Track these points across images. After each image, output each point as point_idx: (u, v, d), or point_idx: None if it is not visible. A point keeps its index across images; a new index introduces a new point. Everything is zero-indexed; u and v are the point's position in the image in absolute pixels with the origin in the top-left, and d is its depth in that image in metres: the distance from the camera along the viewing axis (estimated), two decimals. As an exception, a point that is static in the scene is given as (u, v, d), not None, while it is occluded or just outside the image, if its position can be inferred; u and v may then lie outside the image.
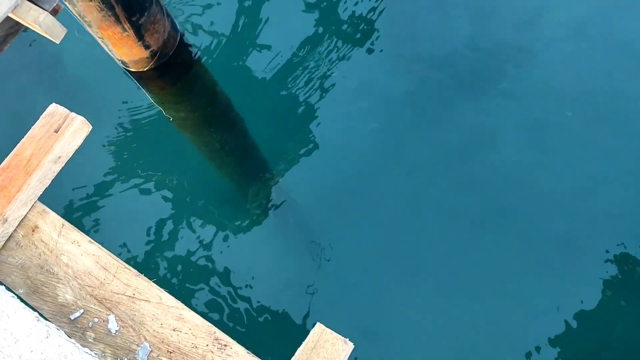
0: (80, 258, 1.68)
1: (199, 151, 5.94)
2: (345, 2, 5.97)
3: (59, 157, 1.35)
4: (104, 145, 5.73)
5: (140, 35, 4.76)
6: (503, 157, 5.44)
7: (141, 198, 5.61)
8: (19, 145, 1.37)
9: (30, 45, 5.80)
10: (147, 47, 4.91)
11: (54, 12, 3.30)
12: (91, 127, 1.45)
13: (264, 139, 5.75)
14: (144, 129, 5.73)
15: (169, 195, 5.68)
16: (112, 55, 5.14)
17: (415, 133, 5.53)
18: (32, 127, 1.39)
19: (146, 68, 5.14)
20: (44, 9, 3.26)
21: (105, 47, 5.03)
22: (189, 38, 5.92)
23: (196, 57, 5.64)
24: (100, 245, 1.75)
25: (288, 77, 5.77)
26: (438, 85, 5.66)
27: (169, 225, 5.54)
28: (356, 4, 5.97)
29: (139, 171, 5.63)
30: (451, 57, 5.68)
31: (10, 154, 1.36)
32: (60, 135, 1.34)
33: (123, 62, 5.15)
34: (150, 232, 5.49)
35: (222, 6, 5.98)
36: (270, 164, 5.75)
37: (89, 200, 5.60)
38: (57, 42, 3.32)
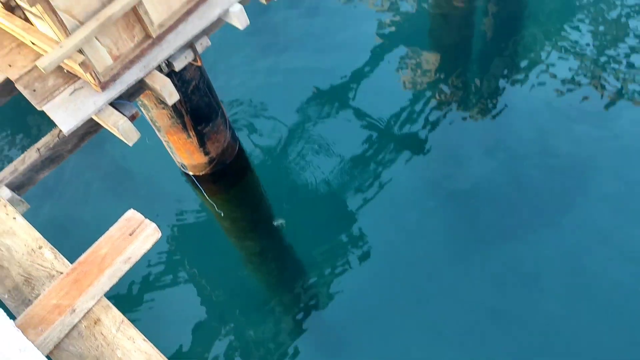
0: (133, 354, 1.76)
1: (239, 252, 6.11)
2: (392, 124, 6.27)
3: (129, 258, 1.50)
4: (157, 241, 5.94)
5: (202, 143, 5.12)
6: (545, 297, 5.35)
7: (184, 295, 5.73)
8: (96, 243, 1.53)
9: (98, 144, 6.26)
10: (207, 153, 5.26)
11: (132, 118, 3.65)
12: (161, 235, 1.60)
13: (302, 250, 5.87)
14: (194, 228, 5.95)
15: (209, 293, 5.78)
16: (173, 157, 5.50)
17: (454, 263, 5.55)
18: (110, 229, 1.56)
19: (203, 172, 5.46)
20: (124, 114, 3.61)
21: (168, 150, 5.41)
22: (246, 148, 6.27)
23: (250, 166, 5.95)
24: (152, 345, 1.83)
25: (331, 191, 5.98)
26: (478, 216, 5.75)
27: (208, 322, 5.59)
28: (404, 125, 6.25)
29: (186, 268, 5.79)
30: (492, 191, 5.80)
31: (87, 250, 1.52)
32: (134, 238, 1.49)
33: (183, 165, 5.50)
34: (191, 328, 5.54)
35: (278, 122, 6.38)
36: (306, 275, 5.83)
37: (139, 295, 5.76)
38: (130, 145, 3.64)
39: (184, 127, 4.91)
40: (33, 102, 3.66)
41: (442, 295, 5.44)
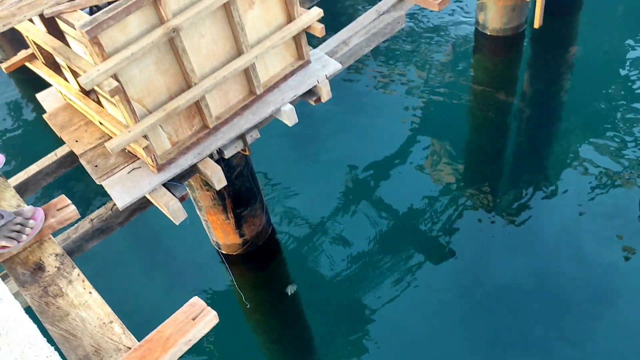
0: None
1: (256, 336, 6.16)
2: (421, 223, 6.45)
3: (190, 340, 1.67)
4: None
5: (239, 225, 5.37)
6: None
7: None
8: (163, 324, 1.72)
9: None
10: (242, 235, 5.49)
11: (181, 199, 3.93)
12: (218, 321, 1.78)
13: (323, 344, 5.91)
14: (220, 309, 6.08)
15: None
16: (209, 235, 5.74)
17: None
18: (176, 312, 1.75)
19: (235, 253, 5.67)
20: (174, 195, 3.90)
21: (205, 228, 5.66)
22: (279, 232, 6.49)
23: (281, 251, 6.15)
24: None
25: (356, 286, 6.09)
26: (504, 323, 5.76)
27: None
28: (433, 225, 6.42)
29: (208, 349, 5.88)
30: (519, 298, 5.85)
31: (155, 330, 1.70)
32: (196, 323, 1.67)
33: (217, 244, 5.73)
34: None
35: (311, 210, 6.62)
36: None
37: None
38: (177, 223, 3.89)
39: (224, 209, 5.18)
40: (94, 177, 3.98)
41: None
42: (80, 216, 2.09)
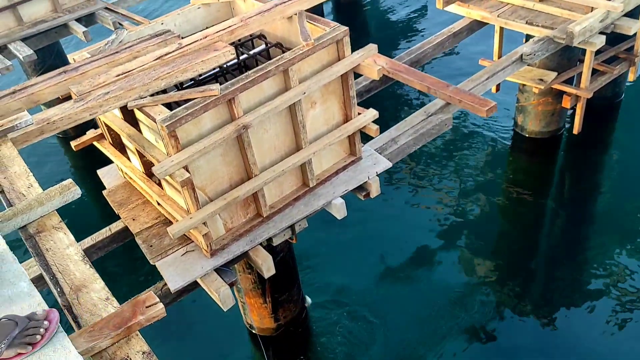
0: None
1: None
2: (450, 313, 6.40)
3: None
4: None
5: (275, 310, 5.40)
6: None
7: None
8: None
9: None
10: (276, 320, 5.51)
11: (231, 285, 4.01)
12: None
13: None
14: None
15: None
16: (244, 317, 5.77)
17: None
18: None
19: (267, 335, 5.67)
20: (224, 281, 3.98)
21: (241, 309, 5.70)
22: (312, 319, 6.47)
23: (313, 338, 6.12)
24: None
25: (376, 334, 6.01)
26: None
27: None
28: (460, 315, 6.36)
29: None
30: None
31: None
32: None
33: (251, 326, 5.74)
34: None
35: (346, 298, 6.64)
36: None
37: None
38: (225, 310, 3.96)
39: (263, 293, 5.23)
40: (148, 256, 4.10)
41: None
42: (166, 314, 2.18)
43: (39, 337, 2.03)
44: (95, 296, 2.22)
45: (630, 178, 7.66)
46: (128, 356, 2.02)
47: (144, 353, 2.02)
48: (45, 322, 2.06)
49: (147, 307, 2.11)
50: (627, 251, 6.83)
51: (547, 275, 6.89)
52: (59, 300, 2.28)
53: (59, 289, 2.25)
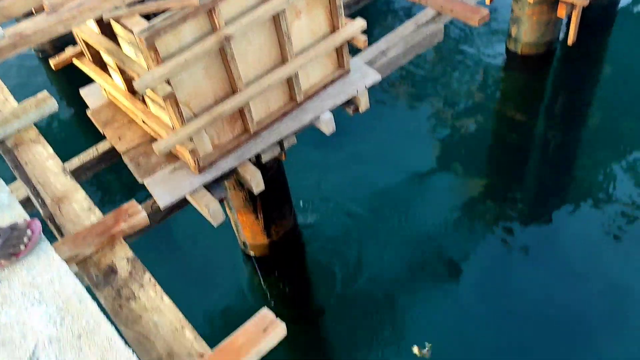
0: None
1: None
2: (440, 241, 6.49)
3: (260, 351, 1.75)
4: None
5: (267, 226, 5.46)
6: None
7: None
8: (234, 333, 1.79)
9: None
10: (269, 236, 5.59)
11: (220, 201, 4.02)
12: (286, 333, 1.85)
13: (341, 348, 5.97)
14: (242, 307, 6.13)
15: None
16: (237, 235, 5.84)
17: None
18: (247, 322, 1.82)
19: (261, 254, 5.77)
20: (214, 197, 3.99)
21: (234, 228, 5.76)
22: (304, 236, 6.55)
23: (304, 254, 6.24)
24: None
25: (379, 285, 6.14)
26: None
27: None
28: (454, 241, 6.46)
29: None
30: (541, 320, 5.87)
31: (226, 339, 1.78)
32: (267, 334, 1.74)
33: (244, 244, 5.83)
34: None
35: (340, 212, 6.69)
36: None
37: None
38: (215, 225, 3.98)
39: (255, 210, 5.27)
40: (136, 175, 4.08)
41: None
42: (149, 222, 2.18)
43: (22, 246, 2.03)
44: (78, 206, 2.21)
45: (624, 92, 7.57)
46: (113, 262, 2.03)
47: (128, 259, 2.02)
48: (29, 232, 2.06)
49: (129, 215, 2.10)
50: (618, 165, 6.86)
51: (539, 191, 6.95)
52: (41, 211, 2.27)
53: (40, 201, 2.23)
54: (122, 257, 2.05)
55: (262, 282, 5.40)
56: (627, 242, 6.17)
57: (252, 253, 5.79)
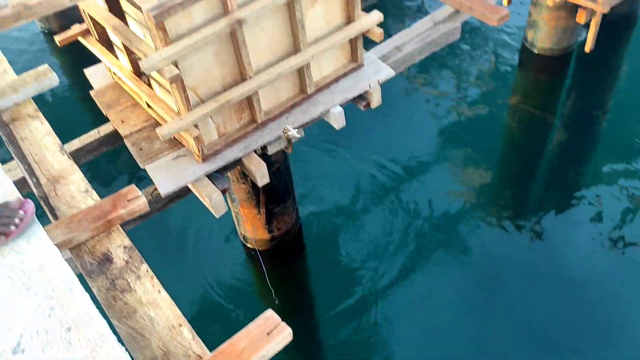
0: None
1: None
2: (442, 229, 6.38)
3: (264, 357, 1.61)
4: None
5: (269, 221, 5.32)
6: None
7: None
8: (236, 336, 1.65)
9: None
10: (270, 231, 5.44)
11: (223, 192, 3.88)
12: (292, 338, 1.71)
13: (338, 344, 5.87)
14: (246, 306, 5.98)
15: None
16: (238, 228, 5.70)
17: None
18: (250, 324, 1.68)
19: (262, 248, 5.63)
20: (217, 187, 3.84)
21: (235, 220, 5.62)
22: (306, 231, 6.41)
23: (306, 251, 6.10)
24: None
25: (379, 281, 6.03)
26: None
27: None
28: (457, 235, 6.34)
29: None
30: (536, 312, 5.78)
31: (227, 341, 1.64)
32: (271, 338, 1.60)
33: (245, 238, 5.68)
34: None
35: (342, 207, 6.57)
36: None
37: None
38: (217, 216, 3.84)
39: (257, 204, 5.13)
40: (138, 160, 3.94)
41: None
42: (149, 209, 2.04)
43: (13, 227, 1.89)
44: (74, 188, 2.07)
45: (638, 98, 7.45)
46: (108, 250, 1.89)
47: (125, 247, 1.88)
48: (21, 212, 1.92)
49: (128, 200, 1.96)
50: (629, 171, 6.73)
51: (546, 192, 6.83)
52: (35, 191, 2.13)
53: (35, 180, 2.09)
54: (118, 244, 1.90)
55: (268, 281, 5.28)
56: (627, 245, 6.07)
57: (251, 246, 5.65)
